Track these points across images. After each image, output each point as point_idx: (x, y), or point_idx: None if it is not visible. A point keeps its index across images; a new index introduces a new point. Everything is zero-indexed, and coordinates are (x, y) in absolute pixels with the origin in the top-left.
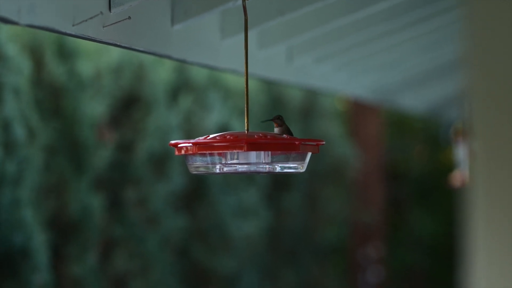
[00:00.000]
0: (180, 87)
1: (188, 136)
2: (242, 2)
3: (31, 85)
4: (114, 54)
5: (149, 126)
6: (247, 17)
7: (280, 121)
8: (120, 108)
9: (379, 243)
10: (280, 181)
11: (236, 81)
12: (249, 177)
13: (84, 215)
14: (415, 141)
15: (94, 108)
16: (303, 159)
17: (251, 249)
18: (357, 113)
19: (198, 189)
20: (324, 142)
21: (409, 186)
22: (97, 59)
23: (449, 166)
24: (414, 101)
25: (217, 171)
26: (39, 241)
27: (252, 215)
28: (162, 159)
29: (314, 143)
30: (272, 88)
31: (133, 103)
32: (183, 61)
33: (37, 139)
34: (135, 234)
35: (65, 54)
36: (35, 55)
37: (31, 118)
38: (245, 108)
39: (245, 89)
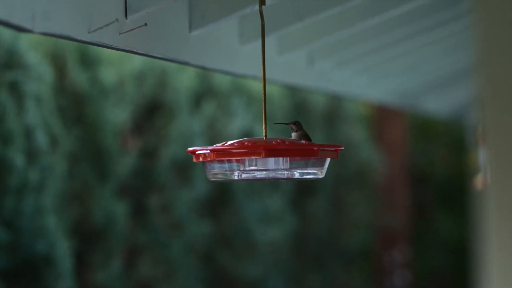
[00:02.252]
0: (203, 93)
1: (211, 142)
2: (259, 7)
3: (54, 93)
4: (136, 61)
5: (172, 132)
6: (263, 22)
7: (297, 126)
8: (143, 115)
9: (405, 247)
10: (304, 187)
11: (260, 87)
12: (273, 183)
13: (108, 222)
14: (439, 144)
15: (117, 115)
16: (322, 165)
17: (276, 254)
18: (381, 117)
19: (222, 195)
20: (343, 148)
21: (434, 190)
22: (119, 66)
23: (473, 170)
24: (437, 105)
25: (236, 178)
26: (62, 248)
27: (277, 221)
28: (186, 166)
29: (333, 149)
30: (295, 94)
31: (156, 109)
32: (202, 67)
33: (60, 146)
34: (159, 240)
35: (87, 61)
36: (57, 62)
37: (53, 126)
38: (263, 114)
39: (263, 95)
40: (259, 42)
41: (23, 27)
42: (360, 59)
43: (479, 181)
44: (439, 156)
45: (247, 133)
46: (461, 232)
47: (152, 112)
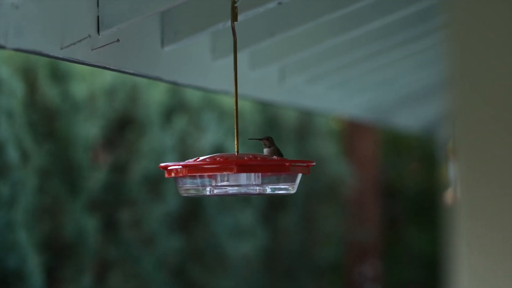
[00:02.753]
0: (174, 108)
1: (183, 157)
2: (231, 23)
3: (25, 108)
4: (107, 76)
5: (144, 147)
6: (236, 38)
7: (269, 142)
8: (114, 129)
9: (375, 261)
10: (276, 201)
11: (231, 102)
12: (244, 198)
13: (79, 237)
14: (410, 159)
15: (88, 130)
16: (293, 180)
17: (248, 269)
18: (352, 132)
19: (194, 210)
20: (314, 163)
21: (405, 204)
22: (90, 81)
23: (444, 184)
24: (409, 120)
25: (207, 193)
26: (33, 263)
27: (248, 236)
28: (157, 180)
29: (305, 164)
30: (267, 109)
31: (127, 124)
32: (173, 83)
33: (30, 161)
34: (130, 255)
35: (58, 76)
36: (28, 77)
37: (24, 141)
38: (235, 129)
39: (235, 111)
40: (231, 58)
41: None
42: (332, 75)
43: (449, 196)
44: (410, 171)
45: (218, 148)
46: (431, 246)
47: (123, 127)
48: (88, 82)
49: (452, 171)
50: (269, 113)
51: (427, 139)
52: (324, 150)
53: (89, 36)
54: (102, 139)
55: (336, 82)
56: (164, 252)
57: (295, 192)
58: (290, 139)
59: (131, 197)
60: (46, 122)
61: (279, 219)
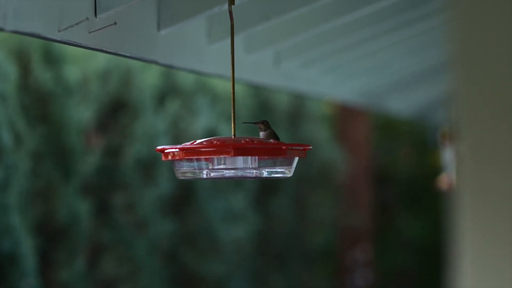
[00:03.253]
0: (167, 92)
1: (176, 141)
2: (228, 7)
3: (18, 91)
4: (101, 59)
5: (137, 131)
6: (233, 22)
7: (265, 125)
8: (107, 113)
9: (367, 246)
10: (268, 186)
11: (224, 86)
12: (237, 182)
13: (72, 221)
14: (402, 144)
15: (81, 113)
16: (290, 164)
17: (240, 253)
18: (344, 117)
19: (186, 193)
20: (311, 147)
21: (397, 189)
22: (84, 65)
23: (436, 169)
24: (402, 104)
25: (204, 176)
26: (27, 247)
27: (241, 220)
28: (150, 164)
29: (301, 148)
30: (259, 93)
31: (120, 108)
32: (169, 66)
33: (24, 144)
34: (123, 239)
35: (52, 59)
36: (22, 60)
37: (18, 124)
38: (232, 113)
39: (231, 94)
40: (226, 42)
41: None
42: (326, 59)
43: (443, 181)
44: (402, 156)
45: (211, 132)
46: (424, 231)
47: (116, 111)
48: (82, 66)
49: (447, 156)
50: (261, 97)
51: (419, 124)
52: (317, 134)
53: (87, 19)
54: (95, 123)
55: (330, 67)
56: (156, 236)
57: (288, 177)
58: (283, 124)
59: (124, 181)
60: (40, 106)
61: (271, 203)
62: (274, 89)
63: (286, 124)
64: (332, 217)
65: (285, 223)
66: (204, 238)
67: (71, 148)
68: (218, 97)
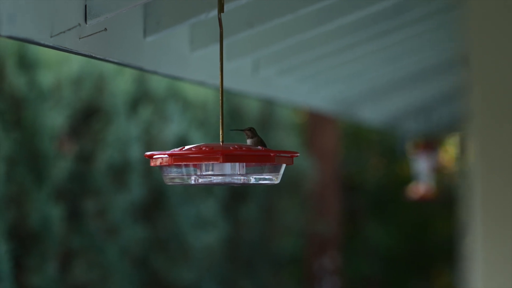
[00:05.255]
0: (140, 98)
1: (147, 147)
2: (218, 14)
3: None
4: (74, 65)
5: (109, 137)
6: (222, 29)
7: (252, 132)
8: (80, 119)
9: (335, 254)
10: (237, 193)
11: (195, 93)
12: (207, 189)
13: (44, 226)
14: (371, 153)
15: (54, 119)
16: (277, 170)
17: (210, 259)
18: (313, 124)
19: (157, 200)
20: (298, 154)
21: (365, 198)
22: (57, 70)
23: (405, 178)
24: (373, 113)
25: (192, 182)
26: (1, 251)
27: (211, 226)
28: (122, 170)
29: (289, 155)
30: (230, 99)
31: (93, 114)
32: (154, 73)
33: None
34: (94, 244)
35: (25, 64)
36: None
37: None
38: (220, 120)
39: (220, 101)
40: (208, 49)
41: None
42: (302, 67)
43: (413, 190)
44: (371, 164)
45: (182, 139)
46: (391, 240)
47: (89, 116)
48: (55, 71)
49: (418, 165)
50: (231, 104)
51: (388, 133)
52: (286, 142)
53: (79, 24)
54: (68, 128)
55: (306, 75)
56: (127, 242)
57: (275, 183)
58: None
59: (96, 187)
60: (13, 111)
61: (240, 210)
62: (251, 96)
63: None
64: (300, 224)
65: (254, 230)
66: (174, 244)
67: (44, 154)
68: (190, 103)
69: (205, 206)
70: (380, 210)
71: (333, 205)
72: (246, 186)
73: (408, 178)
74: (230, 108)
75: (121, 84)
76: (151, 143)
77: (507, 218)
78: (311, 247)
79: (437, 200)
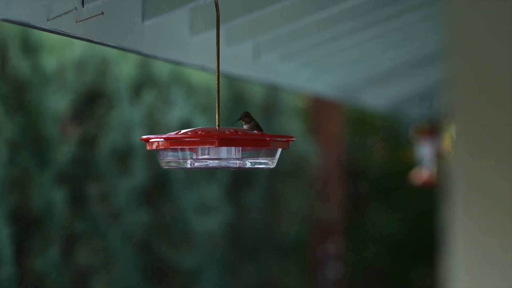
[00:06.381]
0: (143, 82)
1: (151, 131)
2: None
3: None
4: (77, 49)
5: (112, 121)
6: (219, 14)
7: (248, 118)
8: (83, 103)
9: (339, 240)
10: (241, 178)
11: (199, 77)
12: (210, 173)
13: (47, 210)
14: (375, 139)
15: (58, 103)
16: (273, 155)
17: (212, 245)
18: (318, 110)
19: (161, 184)
20: (294, 139)
21: (369, 184)
22: (61, 54)
23: (409, 164)
24: (376, 99)
25: (188, 166)
26: (3, 235)
27: (214, 211)
28: (125, 155)
29: (285, 139)
30: (234, 84)
31: (96, 98)
32: (153, 57)
33: (1, 133)
34: (97, 229)
35: (29, 48)
36: None
37: None
38: (217, 104)
39: (216, 86)
40: (208, 34)
41: None
42: (304, 53)
43: (416, 176)
44: (375, 150)
45: (186, 123)
46: (395, 226)
47: (92, 100)
48: (58, 55)
49: (422, 151)
50: (235, 89)
51: (393, 119)
52: (290, 127)
53: (75, 8)
54: (71, 112)
55: (308, 61)
56: (130, 227)
57: (271, 168)
58: (257, 116)
59: (99, 171)
60: (17, 94)
61: (244, 195)
62: (252, 81)
63: (260, 117)
64: (304, 210)
65: (257, 216)
66: (177, 229)
67: (47, 138)
68: (193, 88)
69: (208, 191)
70: (384, 196)
71: (337, 191)
72: (249, 171)
73: (412, 164)
74: (234, 93)
75: (125, 68)
76: (155, 128)
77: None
78: (315, 234)
79: (440, 186)
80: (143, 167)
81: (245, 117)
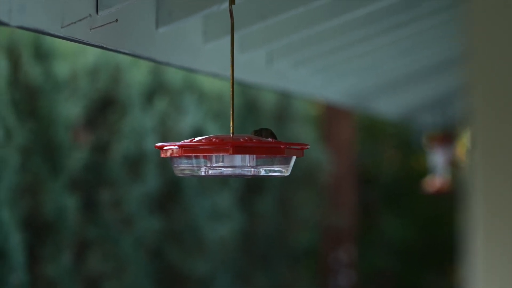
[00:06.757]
0: (156, 89)
1: (163, 138)
2: (229, 6)
3: (8, 86)
4: (90, 55)
5: (125, 128)
6: (233, 21)
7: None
8: (95, 110)
9: (350, 247)
10: (253, 185)
11: (211, 84)
12: (223, 180)
13: (59, 216)
14: (387, 145)
15: (70, 109)
16: (287, 163)
17: (224, 251)
18: (329, 117)
19: (173, 191)
20: (309, 146)
21: (381, 191)
22: (73, 61)
23: (421, 172)
24: (388, 106)
25: (202, 173)
26: (15, 241)
27: (226, 218)
28: (137, 161)
29: (299, 147)
30: (246, 91)
31: (109, 105)
32: (166, 64)
33: (13, 139)
34: (109, 235)
35: (41, 55)
36: (12, 55)
37: (7, 119)
38: (231, 112)
39: (231, 93)
40: (222, 41)
41: (0, 21)
42: (316, 60)
43: (429, 183)
44: (387, 157)
45: (198, 130)
46: (406, 233)
47: (104, 107)
48: (71, 62)
49: (435, 159)
50: (248, 97)
51: (404, 126)
52: (302, 135)
53: (90, 15)
54: (84, 119)
55: (320, 67)
56: (142, 233)
57: (285, 176)
58: (269, 123)
59: (111, 177)
60: (29, 101)
61: (256, 202)
62: (265, 88)
63: (272, 124)
64: (316, 217)
65: (269, 222)
66: (189, 236)
67: (59, 144)
68: (205, 95)
69: (221, 198)
70: (396, 203)
71: (348, 198)
72: (261, 178)
73: (424, 171)
74: (246, 100)
75: (137, 75)
76: (167, 135)
77: (508, 216)
78: (326, 240)
79: (453, 194)
80: (155, 174)
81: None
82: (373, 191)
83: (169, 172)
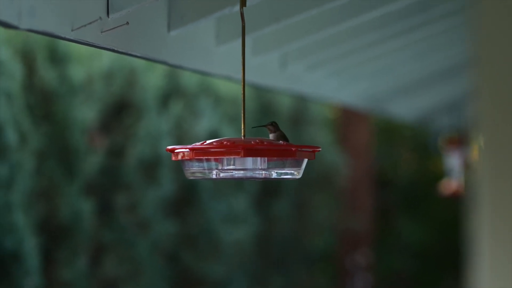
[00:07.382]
0: (171, 93)
1: (179, 142)
2: (240, 9)
3: (23, 90)
4: (105, 59)
5: (140, 131)
6: (244, 23)
7: (274, 127)
8: (111, 113)
9: (367, 250)
10: (269, 188)
11: (227, 88)
12: (238, 184)
13: (75, 220)
14: (404, 148)
15: (85, 113)
16: (299, 165)
17: (240, 255)
18: (346, 120)
19: (188, 195)
20: (320, 149)
21: (397, 193)
22: (88, 64)
23: (437, 174)
24: (404, 109)
25: (214, 176)
26: (30, 245)
27: (242, 222)
28: (153, 165)
29: (311, 150)
30: (262, 95)
31: (124, 108)
32: (179, 67)
33: (28, 143)
34: (125, 239)
35: (56, 59)
36: (27, 59)
37: (23, 123)
38: (242, 114)
39: (242, 96)
40: (234, 43)
41: (10, 24)
42: (331, 62)
43: (446, 186)
44: (403, 160)
45: (214, 134)
46: (423, 236)
47: (120, 111)
48: (86, 66)
49: (451, 162)
50: (264, 100)
51: (421, 129)
52: (319, 138)
53: (100, 18)
54: (99, 123)
55: (335, 70)
56: (158, 237)
57: (297, 178)
58: (285, 126)
59: (127, 181)
60: (44, 105)
61: (272, 206)
62: (279, 91)
63: (288, 127)
64: (333, 221)
65: (285, 226)
66: (205, 240)
67: (74, 148)
68: (221, 98)
69: (236, 201)
70: (413, 206)
71: (365, 201)
72: (277, 181)
73: (440, 174)
74: (262, 104)
75: (153, 79)
76: (182, 138)
77: None
78: (343, 244)
79: (467, 196)
80: (171, 178)
81: (271, 126)
82: (389, 194)
83: (184, 176)
